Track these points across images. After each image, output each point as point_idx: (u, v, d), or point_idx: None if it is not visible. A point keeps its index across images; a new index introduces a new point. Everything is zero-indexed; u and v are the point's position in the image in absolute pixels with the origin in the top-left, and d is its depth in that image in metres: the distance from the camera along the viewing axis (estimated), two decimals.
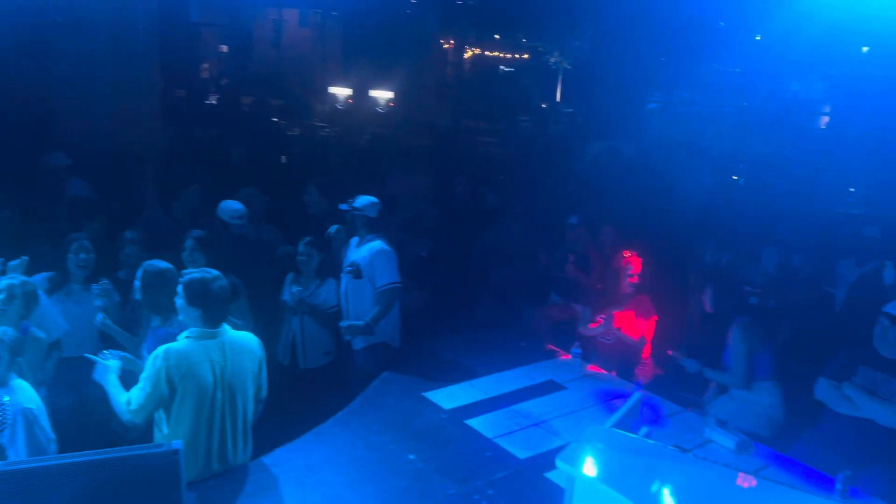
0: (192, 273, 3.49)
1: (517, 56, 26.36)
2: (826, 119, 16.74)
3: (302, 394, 4.73)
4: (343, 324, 4.92)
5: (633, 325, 5.21)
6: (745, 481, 2.93)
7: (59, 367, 4.08)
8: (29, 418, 3.16)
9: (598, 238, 6.87)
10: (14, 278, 3.77)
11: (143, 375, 3.32)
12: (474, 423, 4.12)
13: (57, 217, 5.70)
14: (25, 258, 4.22)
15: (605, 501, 2.43)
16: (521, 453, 3.82)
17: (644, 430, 3.20)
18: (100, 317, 4.10)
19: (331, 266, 5.19)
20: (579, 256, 6.28)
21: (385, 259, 5.02)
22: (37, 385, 3.49)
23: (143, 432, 3.50)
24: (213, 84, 17.85)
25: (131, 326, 4.17)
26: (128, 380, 3.47)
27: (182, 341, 3.39)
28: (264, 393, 3.65)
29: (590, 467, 2.59)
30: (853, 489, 3.42)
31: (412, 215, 7.15)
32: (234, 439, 3.48)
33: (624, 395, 4.39)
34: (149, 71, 8.65)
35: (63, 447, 3.27)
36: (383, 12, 14.75)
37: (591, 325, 5.36)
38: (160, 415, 3.38)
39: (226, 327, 3.49)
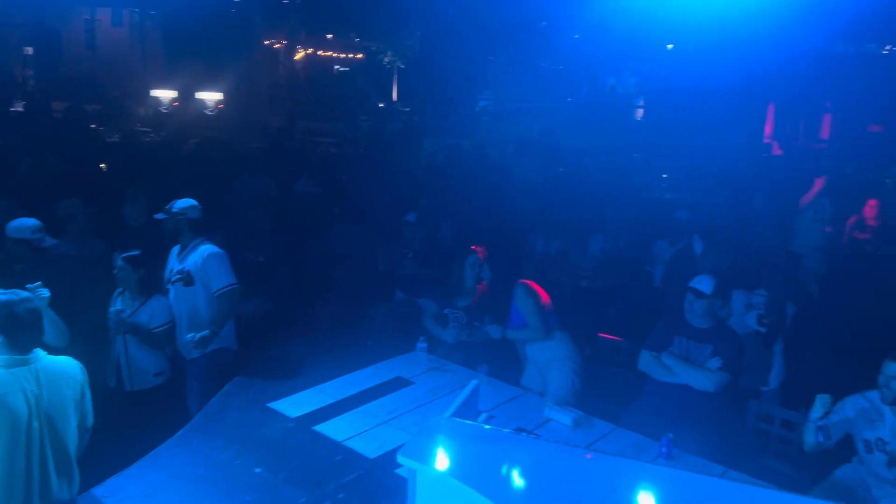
0: None
1: (351, 56, 26.25)
2: (640, 112, 18.12)
3: (135, 417, 4.43)
4: (188, 337, 4.68)
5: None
6: (582, 456, 3.11)
7: None
8: None
9: (438, 233, 7.02)
10: None
11: None
12: (322, 427, 4.05)
13: None
14: None
15: (446, 490, 2.49)
16: (372, 453, 3.80)
17: (483, 416, 3.31)
18: None
19: (157, 281, 4.91)
20: (418, 252, 6.38)
21: (218, 261, 4.84)
22: None
23: None
24: (18, 89, 16.28)
25: None
26: None
27: None
28: (90, 421, 3.38)
29: (429, 458, 2.63)
30: (675, 450, 3.74)
31: (248, 220, 6.93)
32: (57, 472, 3.19)
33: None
34: None
35: None
36: (206, 12, 14.14)
37: None
38: None
39: (39, 353, 3.20)
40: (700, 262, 5.87)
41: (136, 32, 18.50)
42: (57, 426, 3.18)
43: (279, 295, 6.30)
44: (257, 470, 3.63)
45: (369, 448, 3.85)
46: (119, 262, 4.73)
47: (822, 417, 3.74)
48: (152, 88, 15.02)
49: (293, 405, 4.30)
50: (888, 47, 13.43)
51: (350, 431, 4.01)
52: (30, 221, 4.98)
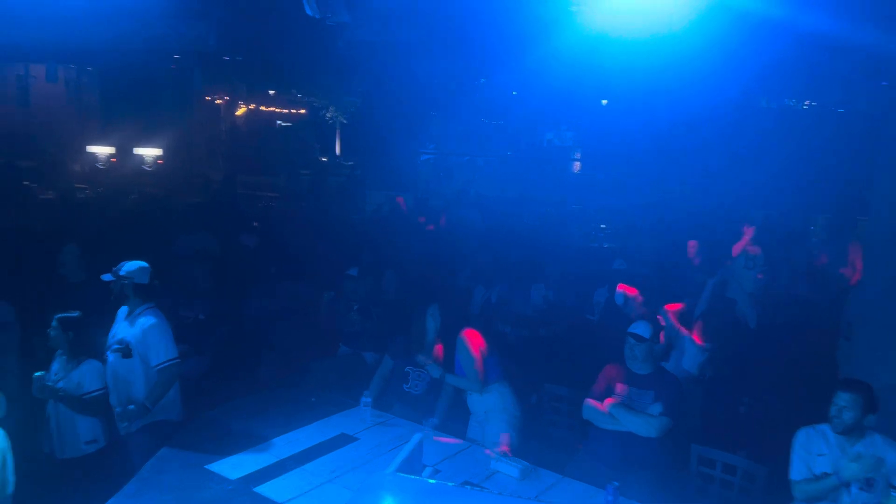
0: None
1: (293, 111, 26.31)
2: (577, 164, 18.64)
3: (63, 486, 4.22)
4: (118, 410, 4.51)
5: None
6: None
7: None
8: None
9: (381, 286, 7.01)
10: None
11: None
12: (264, 489, 3.93)
13: None
14: None
15: None
16: None
17: (427, 470, 3.27)
18: None
19: (90, 344, 4.73)
20: (361, 306, 6.34)
21: (158, 333, 4.69)
22: None
23: None
24: None
25: None
26: None
27: None
28: (10, 488, 3.22)
29: None
30: (621, 498, 3.76)
31: (187, 276, 6.79)
32: None
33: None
34: None
35: None
36: (145, 68, 14.04)
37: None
38: None
39: None
40: (625, 310, 6.03)
41: (71, 88, 18.19)
42: None
43: (219, 353, 6.16)
44: None
45: None
46: (53, 323, 4.57)
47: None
48: (89, 144, 14.72)
49: (233, 466, 4.16)
50: (807, 102, 14.27)
51: (292, 492, 3.90)
52: None
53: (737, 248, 8.15)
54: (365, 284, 6.67)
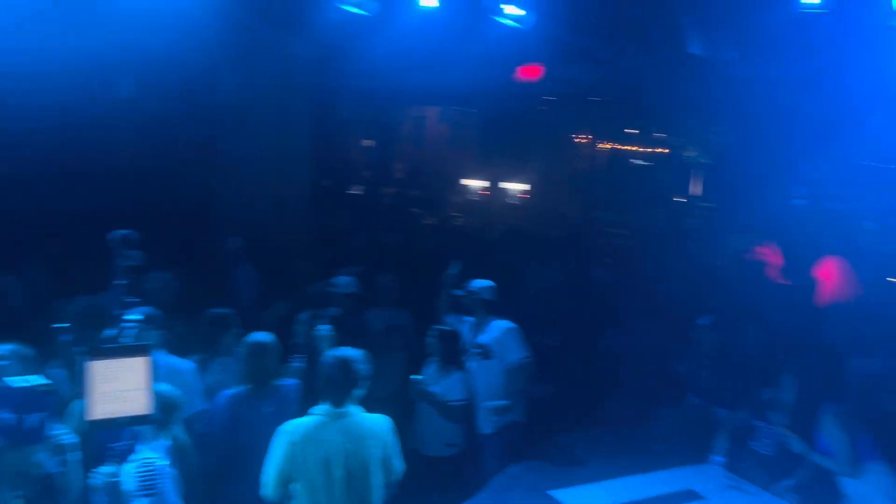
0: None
1: (651, 150, 26.13)
2: None
3: (424, 482, 4.71)
4: (487, 405, 5.00)
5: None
6: None
7: None
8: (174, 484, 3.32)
9: (739, 340, 6.49)
10: None
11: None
12: None
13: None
14: None
15: None
16: None
17: None
18: None
19: (459, 356, 5.23)
20: (714, 359, 5.95)
21: (514, 335, 5.22)
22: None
23: None
24: (357, 176, 18.85)
25: None
26: None
27: (308, 418, 3.51)
28: (395, 476, 3.65)
29: None
30: None
31: (541, 304, 7.10)
32: None
33: None
34: (300, 166, 9.36)
35: None
36: (518, 110, 15.23)
37: None
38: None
39: (352, 409, 3.56)
40: None
41: (455, 128, 20.45)
42: (356, 478, 3.46)
43: (567, 381, 6.31)
44: None
45: None
46: (432, 332, 5.17)
47: None
48: (465, 178, 16.37)
49: (575, 497, 4.23)
50: None
51: None
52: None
53: None
54: (715, 337, 6.22)
